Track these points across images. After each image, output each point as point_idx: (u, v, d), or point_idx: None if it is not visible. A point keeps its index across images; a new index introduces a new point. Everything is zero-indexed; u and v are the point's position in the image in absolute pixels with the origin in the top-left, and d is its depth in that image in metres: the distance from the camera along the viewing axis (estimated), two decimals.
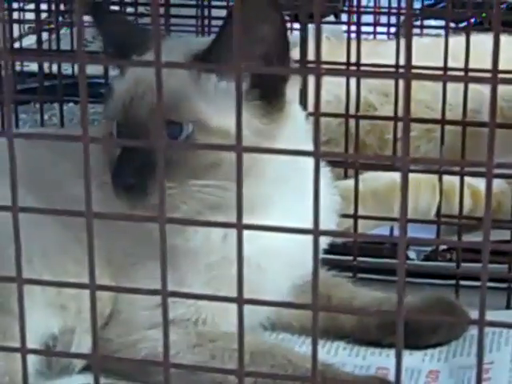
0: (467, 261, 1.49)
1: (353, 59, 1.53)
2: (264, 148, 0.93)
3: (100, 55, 1.57)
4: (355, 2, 1.84)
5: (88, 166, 0.67)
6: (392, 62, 1.49)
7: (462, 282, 1.47)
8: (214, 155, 1.13)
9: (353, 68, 1.52)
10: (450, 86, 1.52)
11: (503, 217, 1.57)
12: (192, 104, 1.15)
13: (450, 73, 1.47)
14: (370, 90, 1.85)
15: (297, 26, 2.28)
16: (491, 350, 1.28)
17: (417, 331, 1.27)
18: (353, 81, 1.54)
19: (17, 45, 2.31)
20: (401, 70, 1.45)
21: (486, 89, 1.62)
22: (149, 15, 2.17)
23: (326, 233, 0.83)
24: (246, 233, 0.67)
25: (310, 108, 1.37)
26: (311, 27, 1.49)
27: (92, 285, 0.70)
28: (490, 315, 0.65)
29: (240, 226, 0.66)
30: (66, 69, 2.26)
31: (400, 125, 1.55)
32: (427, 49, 1.70)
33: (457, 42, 1.56)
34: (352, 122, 1.58)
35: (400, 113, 1.51)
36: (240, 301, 0.67)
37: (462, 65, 1.45)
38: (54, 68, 2.05)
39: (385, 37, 2.33)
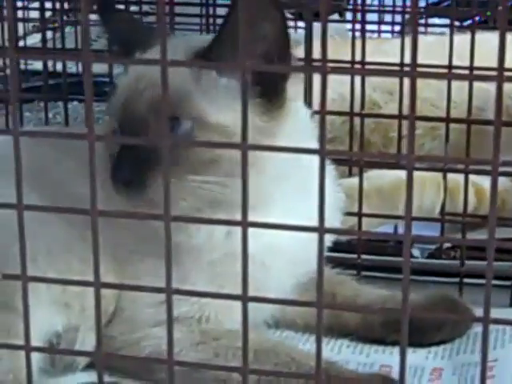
0: (471, 259, 1.49)
1: (357, 57, 1.53)
2: (270, 146, 0.93)
3: (105, 54, 1.58)
4: (359, 1, 1.83)
5: (93, 164, 0.67)
6: (397, 60, 1.49)
7: (466, 280, 1.47)
8: (213, 151, 1.13)
9: (357, 66, 1.52)
10: (455, 83, 1.52)
11: (507, 215, 1.57)
12: (192, 100, 1.15)
13: (454, 71, 1.47)
14: (374, 88, 1.86)
15: (301, 24, 2.28)
16: (495, 347, 1.28)
17: (421, 329, 1.27)
18: (357, 79, 1.54)
19: (21, 43, 2.31)
20: (406, 69, 1.45)
21: (490, 86, 1.62)
22: (153, 14, 2.17)
23: (331, 231, 0.83)
24: (249, 230, 0.67)
25: (316, 106, 1.37)
26: (316, 25, 1.49)
27: (97, 283, 0.70)
28: (494, 313, 0.65)
29: (245, 224, 0.66)
30: (70, 67, 2.27)
31: (404, 123, 1.55)
32: (431, 47, 1.70)
33: (461, 40, 1.56)
34: (356, 120, 1.58)
35: (405, 111, 1.51)
36: (245, 298, 0.68)
37: (466, 63, 1.45)
38: (58, 66, 2.06)
39: (389, 35, 2.33)
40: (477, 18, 1.65)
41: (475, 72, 1.42)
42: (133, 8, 2.19)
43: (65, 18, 2.31)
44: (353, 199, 1.49)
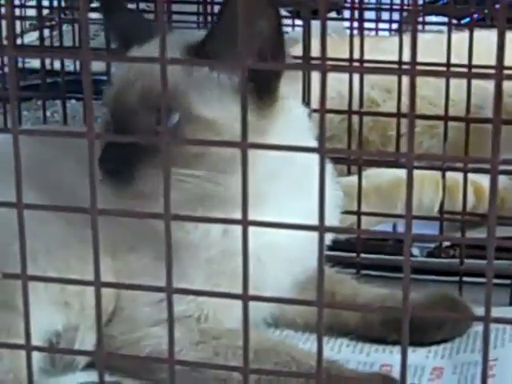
0: (470, 257, 1.49)
1: (355, 55, 1.53)
2: (270, 144, 0.93)
3: (103, 52, 1.57)
4: None
5: (94, 163, 0.67)
6: (394, 58, 1.49)
7: (466, 279, 1.47)
8: (198, 146, 1.13)
9: (356, 64, 1.52)
10: (453, 81, 1.51)
11: (506, 213, 1.57)
12: (181, 93, 1.15)
13: (453, 69, 1.47)
14: (373, 87, 1.85)
15: (298, 22, 2.28)
16: (495, 346, 1.28)
17: (421, 328, 1.27)
18: (355, 77, 1.54)
19: (18, 41, 2.30)
20: (404, 67, 1.45)
21: (489, 84, 1.62)
22: (150, 11, 2.16)
23: (331, 229, 0.83)
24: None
25: (314, 105, 1.37)
26: (314, 24, 1.49)
27: (97, 282, 0.70)
28: (494, 311, 0.65)
29: (245, 223, 0.66)
30: (68, 65, 2.26)
31: (403, 121, 1.55)
32: (429, 45, 1.70)
33: (459, 38, 1.56)
34: (355, 118, 1.58)
35: (403, 109, 1.51)
36: (245, 297, 0.67)
37: (463, 61, 1.44)
38: (56, 65, 2.05)
39: (387, 33, 2.33)
40: (475, 16, 1.65)
41: (473, 70, 1.42)
42: (130, 6, 2.19)
43: (62, 15, 2.30)
44: (351, 198, 1.48)
